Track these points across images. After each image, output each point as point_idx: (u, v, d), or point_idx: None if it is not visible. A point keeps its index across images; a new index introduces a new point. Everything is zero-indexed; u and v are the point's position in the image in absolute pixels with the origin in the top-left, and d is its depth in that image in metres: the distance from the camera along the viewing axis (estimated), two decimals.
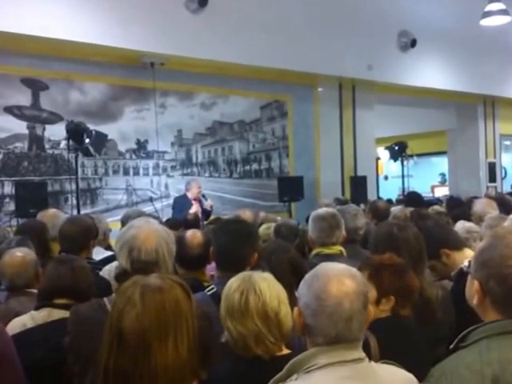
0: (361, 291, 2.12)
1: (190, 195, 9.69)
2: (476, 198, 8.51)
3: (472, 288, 2.07)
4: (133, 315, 1.79)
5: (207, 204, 9.64)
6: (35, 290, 3.64)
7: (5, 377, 2.61)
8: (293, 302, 2.50)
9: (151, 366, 1.76)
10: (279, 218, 7.58)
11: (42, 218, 5.58)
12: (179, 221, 7.47)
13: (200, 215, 8.95)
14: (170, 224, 6.09)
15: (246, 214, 6.23)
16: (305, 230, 5.51)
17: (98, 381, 2.43)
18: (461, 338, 2.03)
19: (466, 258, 3.69)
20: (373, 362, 2.16)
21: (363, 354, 2.11)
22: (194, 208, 9.38)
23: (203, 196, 9.77)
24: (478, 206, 6.41)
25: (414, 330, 2.92)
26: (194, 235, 4.13)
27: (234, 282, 2.63)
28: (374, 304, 2.79)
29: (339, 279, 2.11)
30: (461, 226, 5.07)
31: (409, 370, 2.22)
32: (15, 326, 3.21)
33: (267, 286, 2.57)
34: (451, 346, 2.03)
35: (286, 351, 2.55)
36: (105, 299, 2.69)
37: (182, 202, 9.64)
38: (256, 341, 2.49)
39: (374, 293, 2.85)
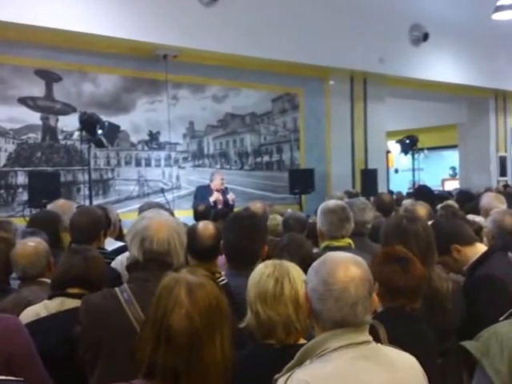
0: (366, 278, 2.19)
1: (212, 186, 9.77)
2: (490, 190, 8.45)
3: None
4: (182, 314, 1.82)
5: (229, 197, 9.69)
6: (47, 280, 3.66)
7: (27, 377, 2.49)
8: None
9: (203, 363, 1.81)
10: (289, 209, 7.61)
11: (53, 209, 5.58)
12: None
13: (221, 206, 9.10)
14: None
15: (257, 206, 6.26)
16: (312, 222, 5.53)
17: (107, 370, 2.49)
18: None
19: (477, 252, 3.71)
20: (379, 344, 2.25)
21: (370, 337, 2.19)
22: (215, 196, 9.48)
23: (226, 189, 9.84)
24: (486, 199, 6.26)
25: (422, 321, 2.94)
26: (205, 227, 4.07)
27: (265, 268, 2.62)
28: None
29: (346, 266, 2.18)
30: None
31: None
32: (28, 314, 3.23)
33: (298, 275, 2.59)
34: (501, 318, 2.09)
35: (303, 341, 2.54)
36: (116, 289, 2.69)
37: (203, 192, 9.74)
38: (284, 327, 2.50)
39: None
